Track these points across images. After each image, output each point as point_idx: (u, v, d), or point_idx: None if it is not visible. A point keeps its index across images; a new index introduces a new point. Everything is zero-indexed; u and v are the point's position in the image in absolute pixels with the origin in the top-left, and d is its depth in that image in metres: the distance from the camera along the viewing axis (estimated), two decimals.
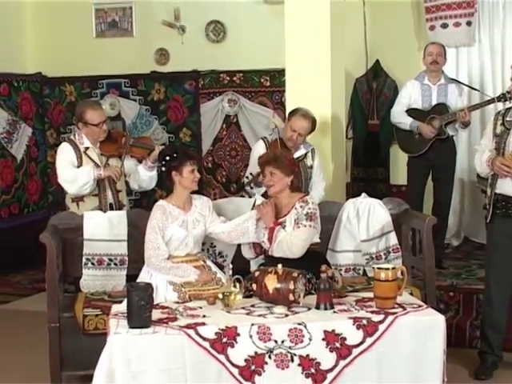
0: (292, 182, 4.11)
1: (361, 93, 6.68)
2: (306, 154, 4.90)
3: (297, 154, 4.82)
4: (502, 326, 4.30)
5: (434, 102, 5.52)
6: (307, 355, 3.28)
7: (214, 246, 4.43)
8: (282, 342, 3.26)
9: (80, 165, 4.61)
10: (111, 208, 4.65)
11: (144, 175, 4.72)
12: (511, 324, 4.51)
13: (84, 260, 4.31)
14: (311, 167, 4.90)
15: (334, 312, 3.46)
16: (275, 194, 4.13)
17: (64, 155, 4.64)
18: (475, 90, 5.98)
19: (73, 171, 4.57)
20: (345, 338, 3.30)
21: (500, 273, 4.19)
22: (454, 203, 6.09)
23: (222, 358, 3.22)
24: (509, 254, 4.16)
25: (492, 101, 5.37)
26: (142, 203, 6.83)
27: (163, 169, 4.17)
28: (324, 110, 5.20)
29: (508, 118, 4.14)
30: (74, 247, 4.32)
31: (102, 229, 4.33)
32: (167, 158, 4.12)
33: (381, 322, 3.33)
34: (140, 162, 4.77)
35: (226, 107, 6.99)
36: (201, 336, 3.21)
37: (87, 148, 4.65)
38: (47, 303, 3.97)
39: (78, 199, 4.63)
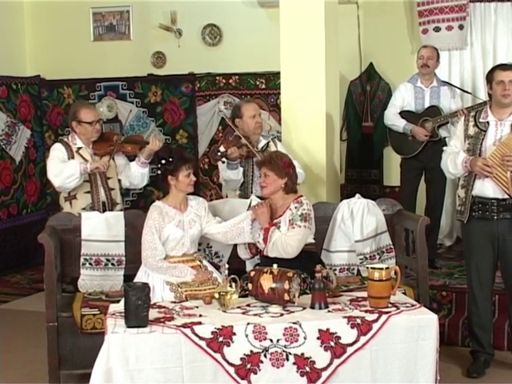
0: (286, 185, 4.12)
1: (355, 95, 6.71)
2: (267, 144, 4.89)
3: (259, 145, 4.84)
4: (488, 324, 4.35)
5: (427, 105, 5.57)
6: (302, 354, 3.31)
7: (211, 247, 4.46)
8: (278, 340, 3.30)
9: None
10: (104, 206, 4.67)
11: (136, 171, 4.71)
12: (502, 323, 4.57)
13: (82, 260, 4.33)
14: None
15: (329, 311, 3.49)
16: (268, 195, 4.15)
17: (55, 153, 4.65)
18: (467, 92, 6.02)
19: (58, 165, 4.57)
20: (339, 337, 3.33)
21: (481, 272, 4.23)
22: (447, 204, 6.12)
23: (218, 356, 3.25)
24: (488, 254, 4.20)
25: (484, 104, 5.38)
26: (138, 204, 6.87)
27: (159, 172, 4.21)
28: (318, 112, 5.24)
29: (481, 120, 4.17)
30: (71, 248, 4.35)
31: (100, 229, 4.35)
32: (163, 161, 4.15)
33: (374, 320, 3.37)
34: (132, 158, 4.79)
35: (222, 109, 7.03)
36: (197, 335, 3.24)
37: (80, 148, 4.67)
38: (45, 303, 3.98)
39: (71, 197, 4.65)
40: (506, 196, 4.08)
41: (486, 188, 4.10)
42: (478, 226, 4.17)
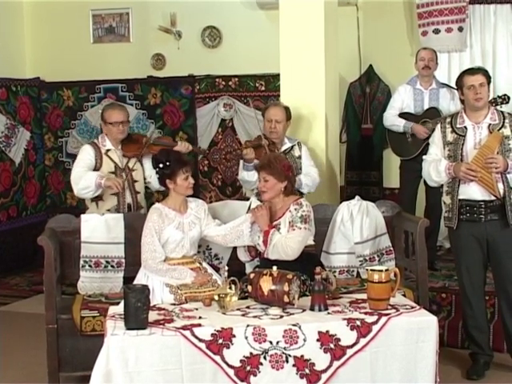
0: (286, 188, 4.12)
1: (354, 97, 6.72)
2: (292, 147, 4.91)
3: (283, 148, 4.87)
4: (484, 326, 4.37)
5: (426, 107, 5.57)
6: (302, 356, 3.31)
7: (210, 249, 4.46)
8: (277, 342, 3.30)
9: (100, 166, 4.65)
10: (129, 208, 4.69)
11: None
12: (500, 325, 4.56)
13: (81, 262, 4.34)
14: (299, 157, 4.89)
15: (328, 313, 3.49)
16: (268, 200, 4.14)
17: (82, 156, 4.68)
18: None
19: (80, 172, 4.59)
20: (339, 339, 3.33)
21: (473, 275, 4.25)
22: None
23: (217, 358, 3.25)
24: (478, 256, 4.22)
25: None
26: None
27: (157, 176, 4.22)
28: (318, 114, 5.24)
29: (458, 125, 4.20)
30: (71, 250, 4.36)
31: (100, 231, 4.36)
32: (160, 165, 4.15)
33: (374, 323, 3.37)
34: None
35: (221, 111, 7.02)
36: (197, 337, 3.24)
37: (108, 150, 4.69)
38: (45, 305, 3.98)
39: (98, 198, 4.65)
40: (493, 197, 4.12)
41: (473, 191, 4.13)
42: (466, 229, 4.19)
